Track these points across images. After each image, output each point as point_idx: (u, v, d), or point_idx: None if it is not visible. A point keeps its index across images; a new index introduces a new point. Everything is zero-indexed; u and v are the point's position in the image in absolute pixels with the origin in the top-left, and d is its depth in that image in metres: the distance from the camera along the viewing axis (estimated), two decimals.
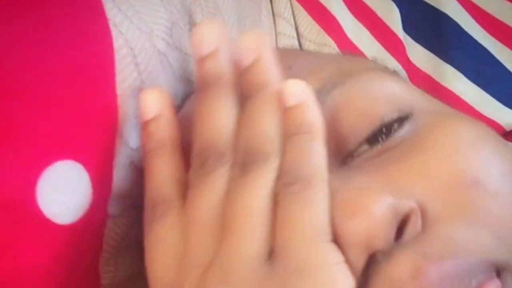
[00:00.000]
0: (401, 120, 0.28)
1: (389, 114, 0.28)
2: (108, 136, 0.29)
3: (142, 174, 0.34)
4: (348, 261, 0.23)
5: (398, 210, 0.23)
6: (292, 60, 0.32)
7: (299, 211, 0.23)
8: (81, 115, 0.27)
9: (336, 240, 0.23)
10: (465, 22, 0.44)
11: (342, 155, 0.28)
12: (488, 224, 0.24)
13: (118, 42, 0.28)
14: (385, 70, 0.36)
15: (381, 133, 0.28)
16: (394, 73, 0.39)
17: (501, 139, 0.31)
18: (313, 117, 0.25)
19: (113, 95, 0.28)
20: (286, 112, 0.25)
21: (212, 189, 0.25)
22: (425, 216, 0.24)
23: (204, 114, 0.26)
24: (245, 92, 0.26)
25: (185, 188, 0.26)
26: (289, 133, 0.25)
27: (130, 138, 0.31)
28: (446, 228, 0.24)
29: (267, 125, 0.25)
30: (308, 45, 0.47)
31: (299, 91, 0.25)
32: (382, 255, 0.23)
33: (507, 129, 0.42)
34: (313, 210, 0.23)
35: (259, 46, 0.26)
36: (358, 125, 0.28)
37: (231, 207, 0.24)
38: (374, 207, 0.22)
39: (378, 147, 0.28)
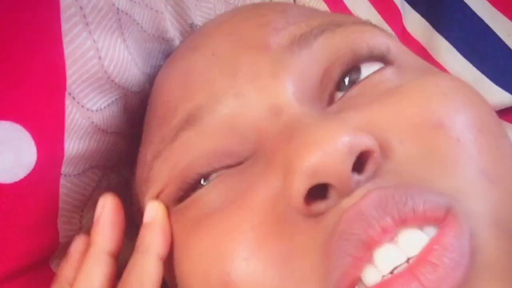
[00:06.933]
0: (373, 58, 0.29)
1: (362, 53, 0.29)
2: (55, 97, 0.28)
3: (107, 136, 0.34)
4: (288, 187, 0.23)
5: (354, 147, 0.23)
6: (285, 6, 0.33)
7: None
8: (23, 76, 0.27)
9: (285, 174, 0.24)
10: None
11: (325, 98, 0.29)
12: (444, 167, 0.24)
13: (65, 1, 0.27)
14: (377, 27, 0.35)
15: (351, 72, 0.28)
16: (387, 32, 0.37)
17: (488, 104, 0.30)
18: (152, 238, 0.29)
19: (60, 55, 0.28)
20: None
21: None
22: (390, 151, 0.24)
23: None
24: None
25: None
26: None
27: (85, 99, 0.30)
28: (408, 165, 0.24)
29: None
30: None
31: (152, 213, 0.30)
32: (337, 193, 0.23)
33: (496, 109, 0.40)
34: None
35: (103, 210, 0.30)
36: (334, 70, 0.29)
37: None
38: (328, 144, 0.23)
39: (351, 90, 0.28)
